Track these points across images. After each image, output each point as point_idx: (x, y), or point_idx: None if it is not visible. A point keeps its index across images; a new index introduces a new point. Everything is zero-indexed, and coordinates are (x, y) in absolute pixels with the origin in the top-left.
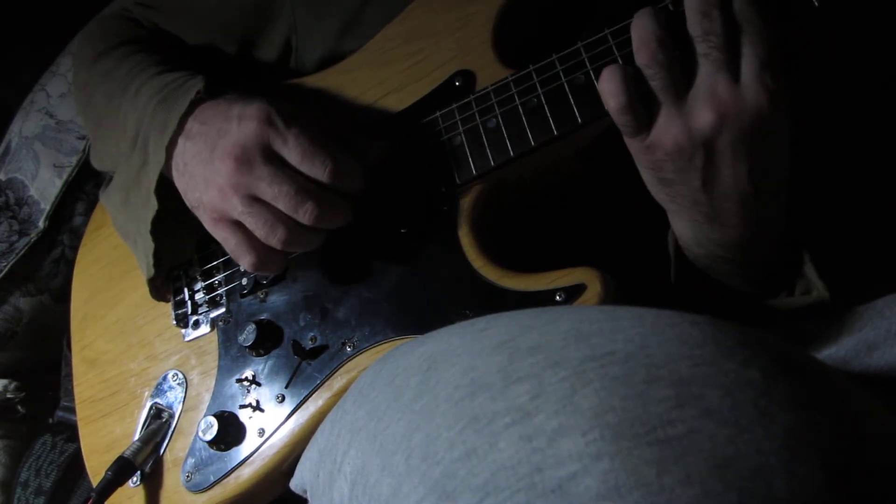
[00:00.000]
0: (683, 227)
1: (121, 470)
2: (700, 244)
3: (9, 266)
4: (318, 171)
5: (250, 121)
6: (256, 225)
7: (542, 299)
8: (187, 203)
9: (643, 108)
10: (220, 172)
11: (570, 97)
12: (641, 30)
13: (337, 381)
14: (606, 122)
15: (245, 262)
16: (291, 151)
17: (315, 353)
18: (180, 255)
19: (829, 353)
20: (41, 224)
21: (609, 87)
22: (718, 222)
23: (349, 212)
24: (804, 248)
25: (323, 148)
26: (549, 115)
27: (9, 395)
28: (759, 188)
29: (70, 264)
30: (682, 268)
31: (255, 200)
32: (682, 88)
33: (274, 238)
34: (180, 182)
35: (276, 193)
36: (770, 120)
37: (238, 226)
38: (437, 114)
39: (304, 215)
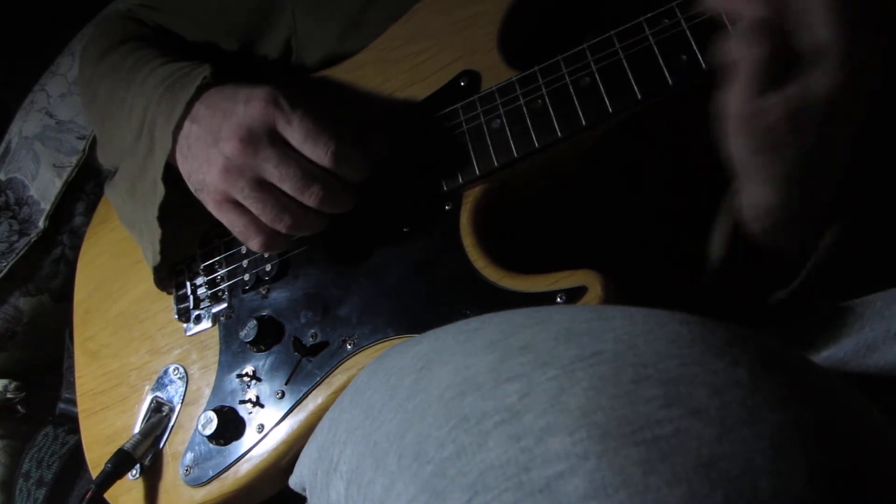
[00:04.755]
0: (765, 194)
1: (120, 462)
2: (772, 213)
3: (9, 266)
4: (320, 151)
5: (256, 102)
6: (263, 210)
7: (542, 300)
8: (190, 187)
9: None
10: (225, 153)
11: (575, 99)
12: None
13: (336, 379)
14: (610, 123)
15: (254, 243)
16: (295, 132)
17: (315, 349)
18: (185, 246)
19: (829, 354)
20: (41, 224)
21: (751, 37)
22: (809, 184)
23: (352, 199)
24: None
25: (326, 130)
26: (553, 116)
27: (9, 395)
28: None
29: (70, 264)
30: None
31: (261, 184)
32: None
33: (280, 224)
34: (184, 165)
35: (282, 175)
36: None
37: (243, 207)
38: (442, 113)
39: (310, 198)
